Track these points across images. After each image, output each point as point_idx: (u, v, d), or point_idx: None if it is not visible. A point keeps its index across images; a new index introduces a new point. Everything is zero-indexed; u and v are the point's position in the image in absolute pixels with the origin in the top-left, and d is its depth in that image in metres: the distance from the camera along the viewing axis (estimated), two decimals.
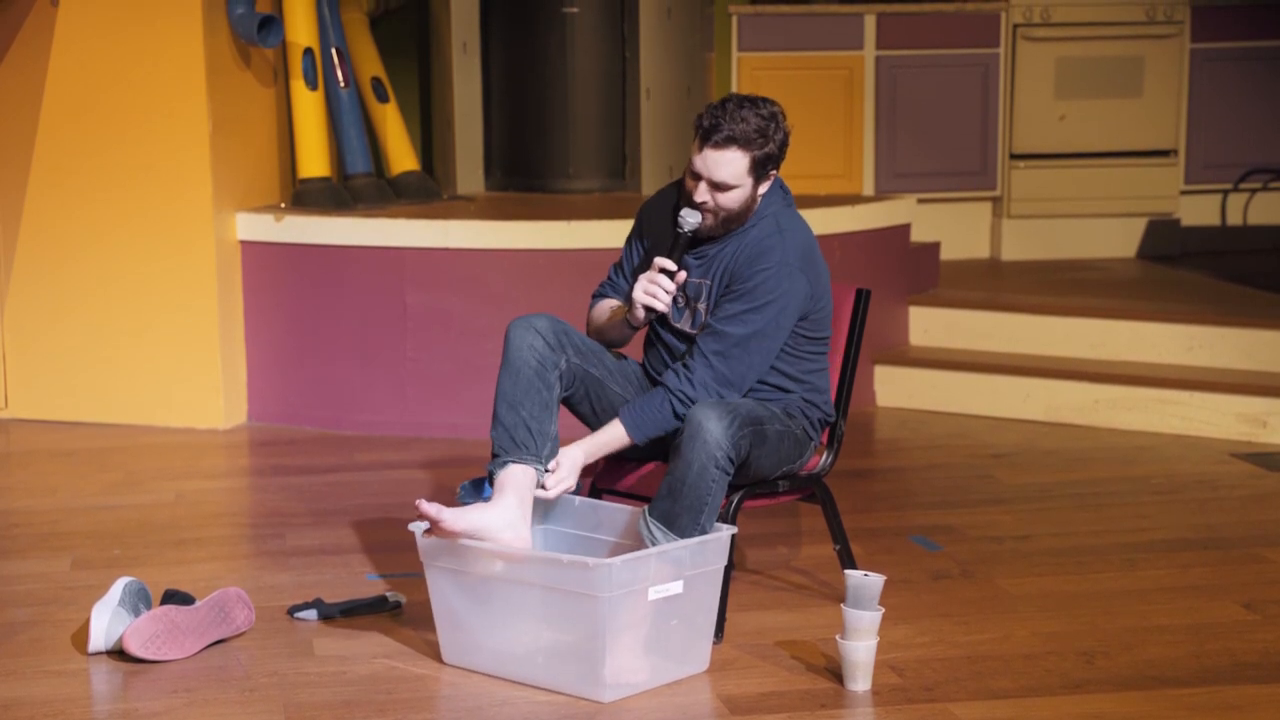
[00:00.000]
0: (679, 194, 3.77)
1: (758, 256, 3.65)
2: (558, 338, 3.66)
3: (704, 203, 3.63)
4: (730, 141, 3.57)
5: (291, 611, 3.91)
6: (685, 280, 3.74)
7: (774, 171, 3.67)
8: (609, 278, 3.95)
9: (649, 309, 3.71)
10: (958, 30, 7.34)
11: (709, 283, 3.71)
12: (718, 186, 3.61)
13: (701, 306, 3.71)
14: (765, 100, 3.63)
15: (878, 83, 7.32)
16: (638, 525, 3.53)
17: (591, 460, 3.68)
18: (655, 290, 3.68)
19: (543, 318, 3.67)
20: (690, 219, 3.66)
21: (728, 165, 3.58)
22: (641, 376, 3.84)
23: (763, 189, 3.67)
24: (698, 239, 3.72)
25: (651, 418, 3.62)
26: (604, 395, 3.75)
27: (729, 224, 3.67)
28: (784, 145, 3.63)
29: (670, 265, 3.67)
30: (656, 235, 3.81)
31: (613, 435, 3.65)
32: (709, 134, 3.58)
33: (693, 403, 3.60)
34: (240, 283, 5.98)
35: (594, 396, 3.75)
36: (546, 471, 3.63)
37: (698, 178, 3.62)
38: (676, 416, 3.60)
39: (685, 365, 3.64)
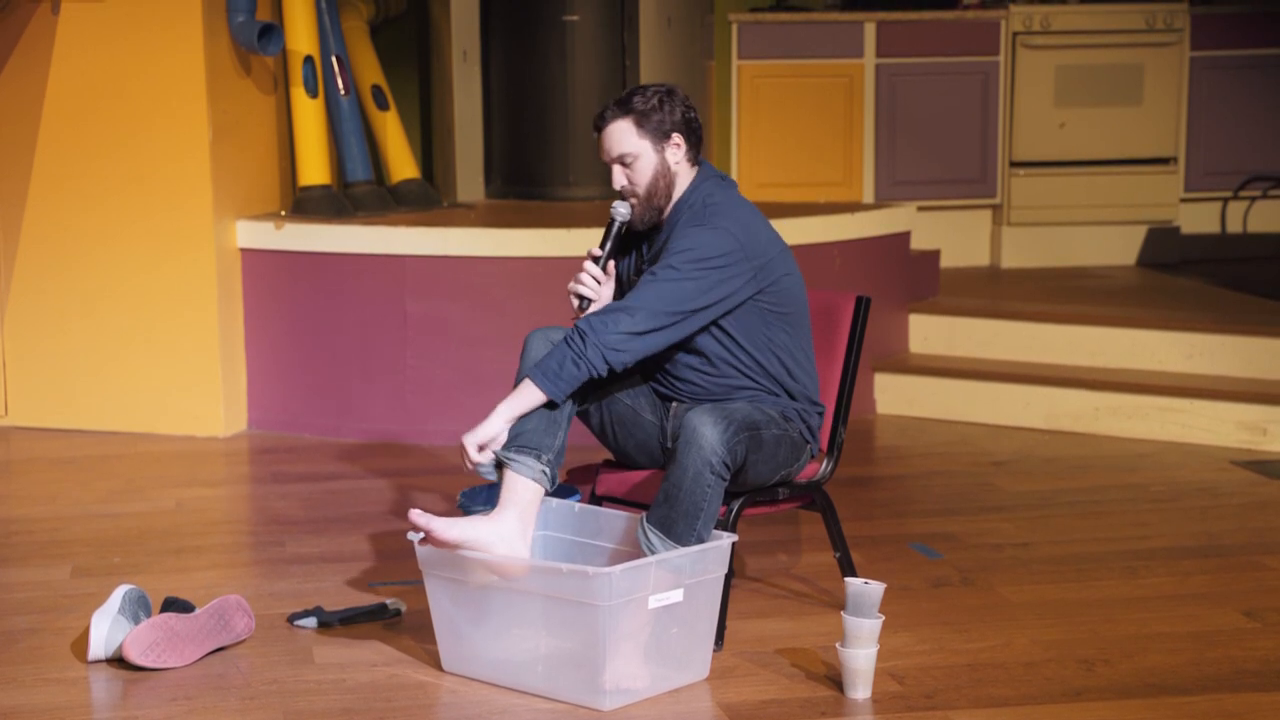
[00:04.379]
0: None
1: (686, 226, 3.70)
2: None
3: (622, 187, 3.74)
4: (612, 117, 3.73)
5: (291, 619, 3.91)
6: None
7: (677, 137, 3.72)
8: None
9: (580, 296, 3.76)
10: (957, 38, 7.34)
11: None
12: (622, 162, 3.72)
13: None
14: (654, 85, 3.78)
15: (878, 90, 7.32)
16: (635, 532, 3.53)
17: (511, 422, 3.59)
18: (583, 278, 3.76)
19: (560, 330, 3.71)
20: (620, 208, 3.76)
21: (617, 135, 3.71)
22: (649, 388, 3.84)
23: (672, 156, 3.73)
24: (641, 231, 3.80)
25: (555, 366, 3.56)
26: (614, 406, 3.77)
27: (653, 200, 3.74)
28: (676, 111, 3.71)
29: (598, 252, 3.77)
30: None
31: (529, 397, 3.58)
32: (596, 122, 3.76)
33: (582, 335, 3.56)
34: (240, 290, 5.98)
35: (605, 408, 3.77)
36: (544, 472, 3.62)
37: (610, 167, 3.76)
38: (575, 355, 3.54)
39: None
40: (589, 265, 3.78)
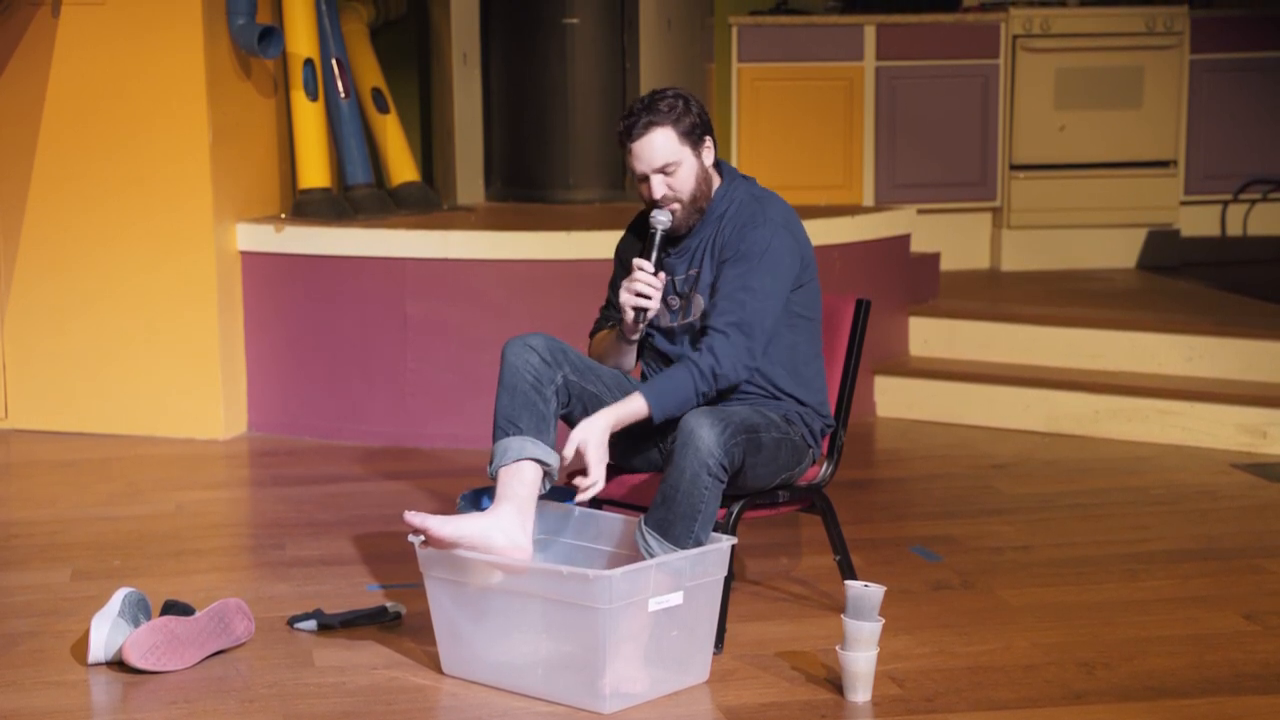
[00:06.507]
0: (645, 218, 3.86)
1: (743, 223, 3.69)
2: (553, 355, 3.67)
3: (664, 196, 3.68)
4: (649, 125, 3.66)
5: (291, 622, 3.91)
6: (673, 278, 3.76)
7: (709, 139, 3.72)
8: (599, 317, 3.97)
9: (638, 310, 3.72)
10: (957, 41, 7.34)
11: (696, 271, 3.74)
12: (664, 171, 3.67)
13: (698, 296, 3.74)
14: (667, 88, 3.74)
15: (878, 93, 7.32)
16: (634, 535, 3.53)
17: (615, 429, 3.57)
18: (642, 289, 3.69)
19: (538, 336, 3.68)
20: (661, 218, 3.71)
21: (658, 145, 3.66)
22: None
23: (707, 159, 3.73)
24: (677, 237, 3.77)
25: (673, 392, 3.57)
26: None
27: (697, 204, 3.72)
28: (703, 114, 3.72)
29: (648, 265, 3.70)
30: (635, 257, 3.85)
31: (633, 409, 3.57)
32: (629, 131, 3.68)
33: (716, 376, 3.58)
34: (240, 293, 5.98)
35: (592, 413, 3.74)
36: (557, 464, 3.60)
37: (645, 178, 3.69)
38: (699, 393, 3.58)
39: (705, 342, 3.63)
40: (642, 275, 3.69)
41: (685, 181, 3.69)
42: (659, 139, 3.65)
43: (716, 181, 3.78)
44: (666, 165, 3.66)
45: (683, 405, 3.58)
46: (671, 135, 3.66)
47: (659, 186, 3.68)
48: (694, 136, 3.69)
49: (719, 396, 3.67)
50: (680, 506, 3.46)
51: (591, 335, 3.97)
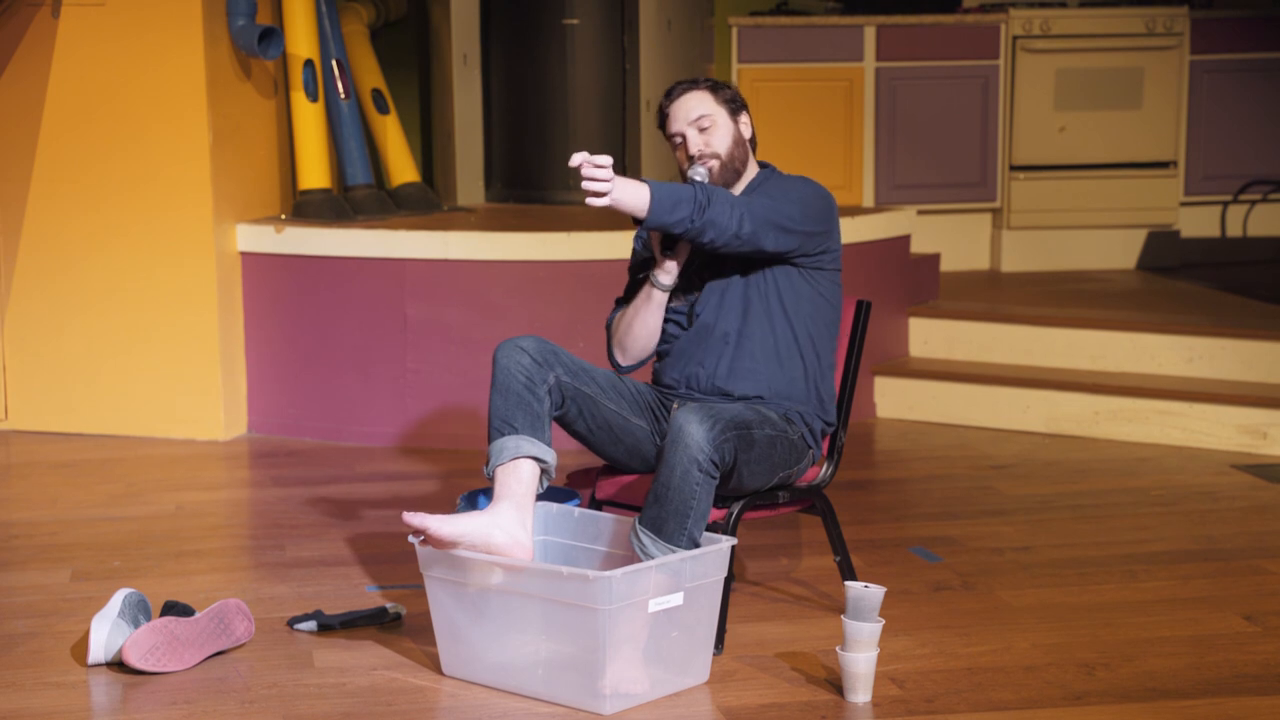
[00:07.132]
0: None
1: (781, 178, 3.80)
2: (544, 356, 3.67)
3: (700, 152, 3.74)
4: (688, 88, 3.79)
5: (291, 623, 3.91)
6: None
7: (746, 115, 3.82)
8: (614, 308, 3.98)
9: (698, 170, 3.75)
10: (958, 42, 7.35)
11: None
12: (699, 125, 3.75)
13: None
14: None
15: (878, 94, 7.33)
16: (629, 535, 3.53)
17: (619, 202, 3.53)
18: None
19: (529, 338, 3.69)
20: (700, 169, 3.76)
21: (693, 101, 3.77)
22: (636, 391, 3.83)
23: (744, 131, 3.80)
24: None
25: (673, 190, 3.56)
26: (598, 412, 3.75)
27: (733, 165, 3.78)
28: (739, 95, 3.83)
29: None
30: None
31: (636, 187, 3.55)
32: (669, 95, 3.80)
33: (711, 193, 3.59)
34: (241, 294, 5.98)
35: (588, 414, 3.74)
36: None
37: (681, 138, 3.77)
38: (695, 200, 3.56)
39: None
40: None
41: (721, 140, 3.76)
42: (694, 97, 3.77)
43: (755, 168, 3.85)
44: (701, 118, 3.75)
45: (676, 204, 3.55)
46: (707, 96, 3.77)
47: (695, 140, 3.75)
48: (731, 105, 3.79)
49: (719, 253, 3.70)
50: (672, 504, 3.45)
51: (608, 326, 3.97)
